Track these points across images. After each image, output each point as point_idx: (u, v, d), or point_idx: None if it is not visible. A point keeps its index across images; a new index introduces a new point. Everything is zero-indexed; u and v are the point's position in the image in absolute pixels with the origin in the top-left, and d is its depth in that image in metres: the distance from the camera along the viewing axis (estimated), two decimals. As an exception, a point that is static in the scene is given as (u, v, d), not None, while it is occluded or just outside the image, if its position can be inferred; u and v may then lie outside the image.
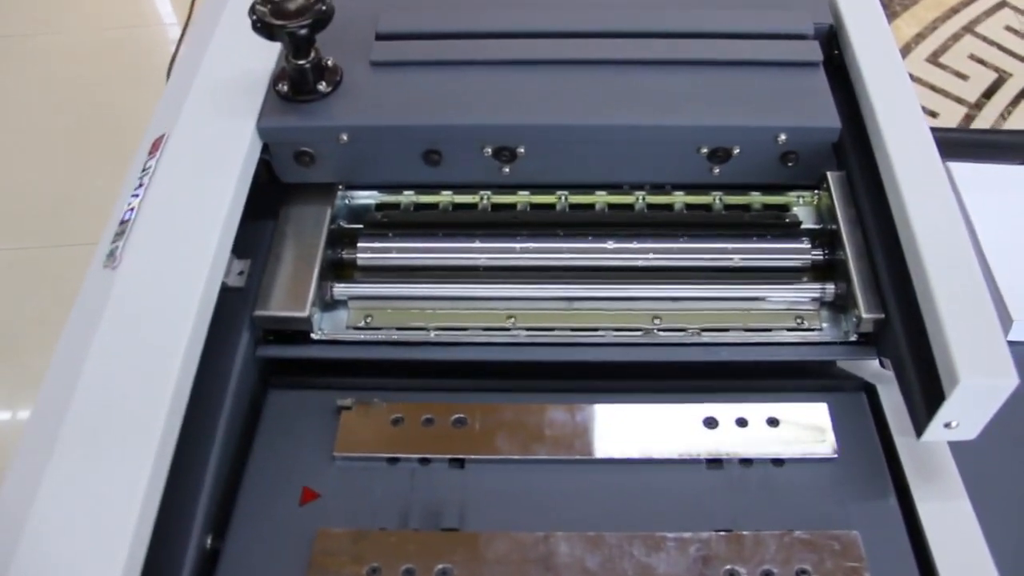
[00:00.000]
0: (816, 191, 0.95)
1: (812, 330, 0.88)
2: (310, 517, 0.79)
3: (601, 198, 0.97)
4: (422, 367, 0.89)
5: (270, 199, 0.95)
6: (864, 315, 0.83)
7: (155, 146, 0.89)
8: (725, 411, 0.83)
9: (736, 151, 0.89)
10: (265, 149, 0.91)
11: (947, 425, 0.75)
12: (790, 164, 0.90)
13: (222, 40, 0.93)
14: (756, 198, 0.97)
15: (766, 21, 0.95)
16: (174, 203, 0.85)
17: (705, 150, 0.89)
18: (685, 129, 0.87)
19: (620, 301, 0.90)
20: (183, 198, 0.85)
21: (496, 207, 0.98)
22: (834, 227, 0.91)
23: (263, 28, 0.84)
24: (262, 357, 0.88)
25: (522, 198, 0.97)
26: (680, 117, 0.87)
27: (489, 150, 0.89)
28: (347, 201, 0.97)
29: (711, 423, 0.83)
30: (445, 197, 0.98)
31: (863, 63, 0.92)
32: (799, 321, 0.89)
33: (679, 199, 0.97)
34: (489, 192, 0.96)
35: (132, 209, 0.85)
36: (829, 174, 0.92)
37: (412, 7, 0.99)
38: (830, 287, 0.89)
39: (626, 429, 0.82)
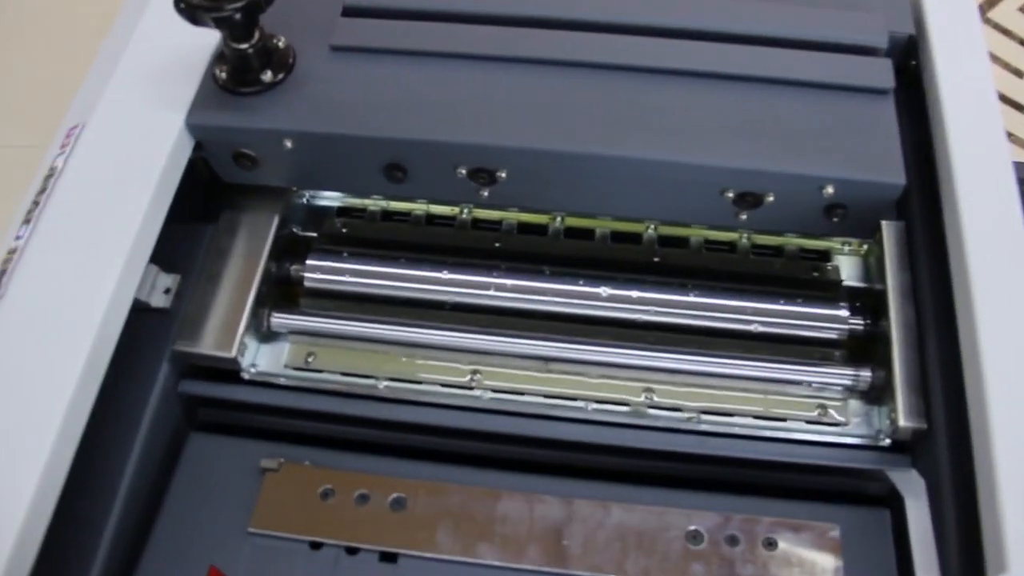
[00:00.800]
0: (866, 240, 0.78)
1: (836, 424, 0.72)
2: (213, 606, 0.68)
3: (604, 223, 0.81)
4: (367, 423, 0.75)
5: (213, 199, 0.80)
6: (902, 422, 0.67)
7: (69, 136, 0.74)
8: (714, 523, 0.69)
9: (769, 199, 0.71)
10: (200, 146, 0.75)
11: (984, 599, 0.60)
12: (835, 219, 0.72)
13: (156, 13, 0.77)
14: (791, 239, 0.80)
15: (828, 25, 0.75)
16: (80, 209, 0.71)
17: (731, 194, 0.71)
18: (707, 169, 0.70)
19: (607, 367, 0.74)
20: (92, 202, 0.71)
21: (477, 223, 0.82)
22: (881, 288, 0.73)
23: (186, 10, 0.67)
24: (185, 394, 0.75)
25: (509, 215, 0.81)
26: (702, 153, 0.70)
27: (463, 171, 0.73)
28: (305, 200, 0.82)
29: (695, 538, 0.68)
30: (419, 206, 0.82)
31: (946, 96, 0.73)
32: (821, 412, 0.73)
33: (698, 232, 0.80)
34: (471, 205, 0.80)
35: (28, 223, 0.71)
36: (884, 224, 0.74)
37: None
38: (865, 374, 0.72)
39: (592, 535, 0.68)
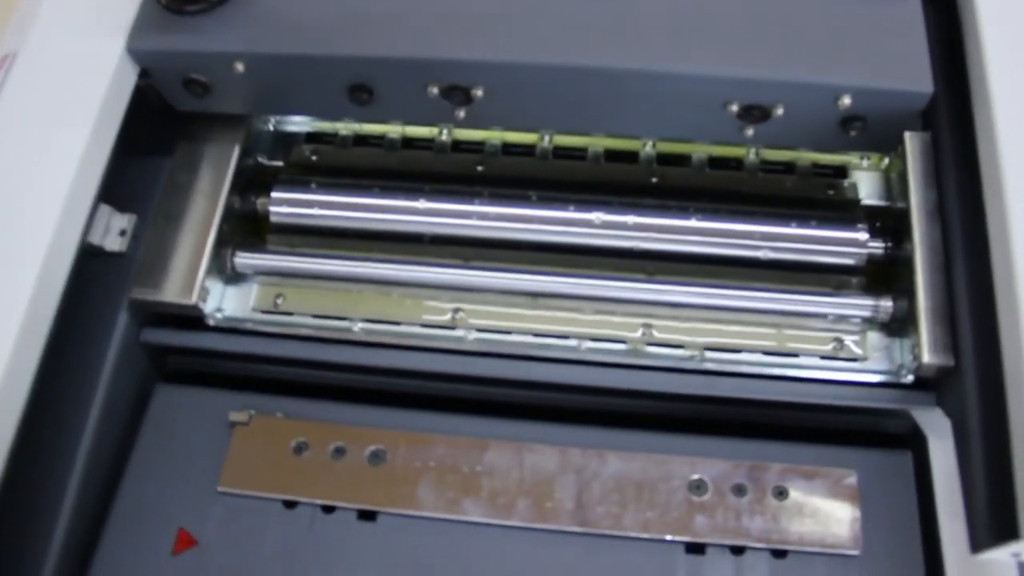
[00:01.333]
0: (888, 154, 0.70)
1: (854, 359, 0.66)
2: (183, 572, 0.63)
3: (596, 140, 0.73)
4: (342, 368, 0.69)
5: (170, 128, 0.73)
6: (926, 358, 0.60)
7: (0, 67, 0.67)
8: (720, 471, 0.63)
9: (779, 111, 0.63)
10: (147, 73, 0.68)
11: (1015, 555, 0.54)
12: (853, 133, 0.64)
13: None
14: (803, 154, 0.72)
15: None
16: (15, 148, 0.65)
17: (735, 107, 0.63)
18: (707, 79, 0.62)
19: (601, 302, 0.68)
20: (28, 140, 0.65)
21: (458, 145, 0.74)
22: (904, 206, 0.66)
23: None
24: (148, 343, 0.70)
25: (493, 134, 0.74)
26: (699, 62, 0.62)
27: (435, 90, 0.65)
28: (271, 127, 0.75)
29: (699, 488, 0.63)
30: (395, 128, 0.75)
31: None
32: (837, 346, 0.66)
33: (700, 149, 0.73)
34: (450, 124, 0.73)
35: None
36: (908, 136, 0.66)
37: None
38: (886, 303, 0.65)
39: (587, 487, 0.63)
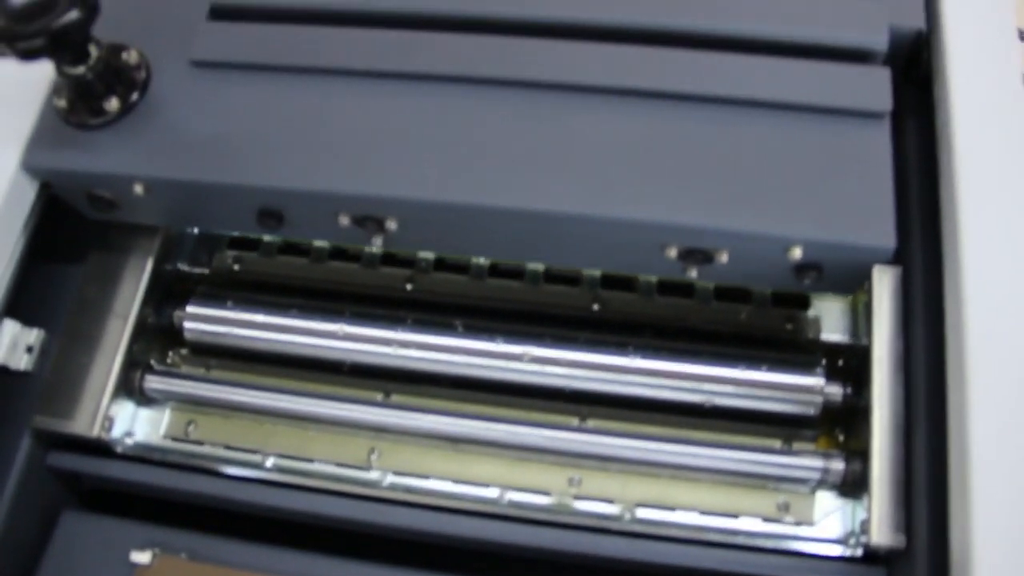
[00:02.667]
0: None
1: (800, 524, 0.60)
2: None
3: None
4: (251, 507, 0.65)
5: (84, 234, 0.69)
6: (875, 539, 0.54)
7: None
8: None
9: (723, 258, 0.57)
10: (48, 185, 0.64)
11: None
12: (807, 281, 0.58)
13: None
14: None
15: (811, 19, 0.59)
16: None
17: (674, 252, 0.57)
18: (640, 226, 0.56)
19: (526, 451, 0.62)
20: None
21: (390, 258, 0.69)
22: (868, 344, 0.59)
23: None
24: (55, 467, 0.66)
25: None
26: (631, 206, 0.55)
27: (346, 220, 0.60)
28: (193, 229, 0.70)
29: (619, 668, 0.57)
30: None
31: (957, 120, 0.56)
32: (782, 508, 0.60)
33: (646, 276, 0.66)
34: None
35: None
36: (876, 269, 0.59)
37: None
38: (837, 466, 0.59)
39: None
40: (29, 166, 0.62)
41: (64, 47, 0.56)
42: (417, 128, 0.59)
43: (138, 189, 0.60)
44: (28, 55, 0.55)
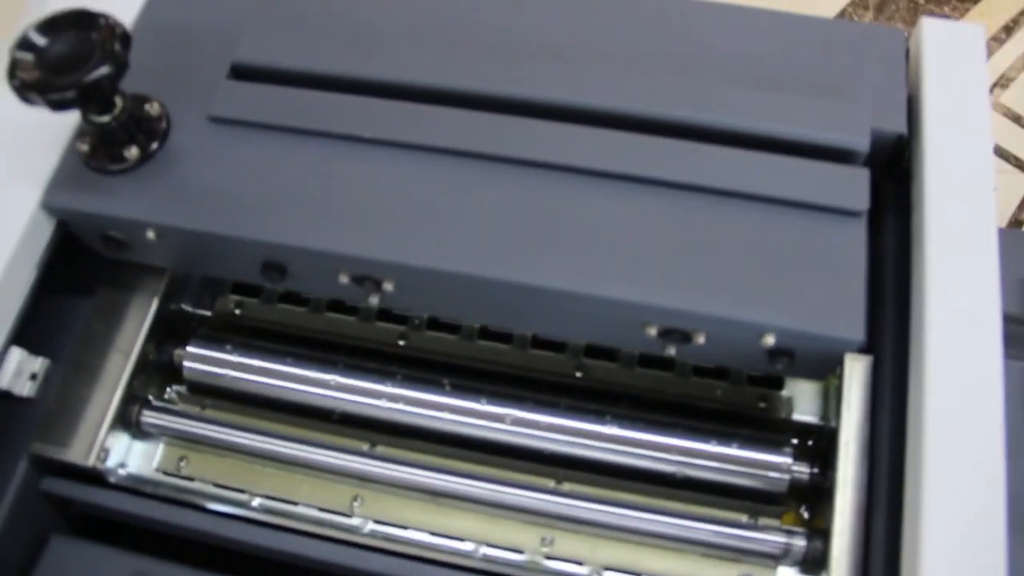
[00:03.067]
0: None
1: (760, 598, 0.62)
2: None
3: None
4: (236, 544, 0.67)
5: (95, 270, 0.72)
6: (831, 623, 0.57)
7: (-82, 210, 0.66)
8: None
9: (700, 339, 0.60)
10: (64, 223, 0.67)
11: None
12: (779, 366, 0.60)
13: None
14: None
15: (797, 119, 0.62)
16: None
17: (653, 331, 0.60)
18: (622, 305, 0.59)
19: (503, 509, 0.65)
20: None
21: (384, 314, 0.72)
22: (836, 426, 0.62)
23: (18, 88, 0.58)
24: (48, 493, 0.68)
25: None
26: (614, 286, 0.58)
27: (346, 278, 0.63)
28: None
29: None
30: (321, 291, 0.73)
31: (931, 232, 0.60)
32: (745, 582, 0.63)
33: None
34: (377, 293, 0.71)
35: None
36: (848, 358, 0.62)
37: (298, 22, 0.70)
38: (800, 543, 0.62)
39: None
40: (48, 206, 0.64)
41: (93, 99, 0.59)
42: (418, 197, 0.62)
43: (150, 235, 0.63)
44: (59, 106, 0.58)
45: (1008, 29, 1.62)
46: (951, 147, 0.63)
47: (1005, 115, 1.51)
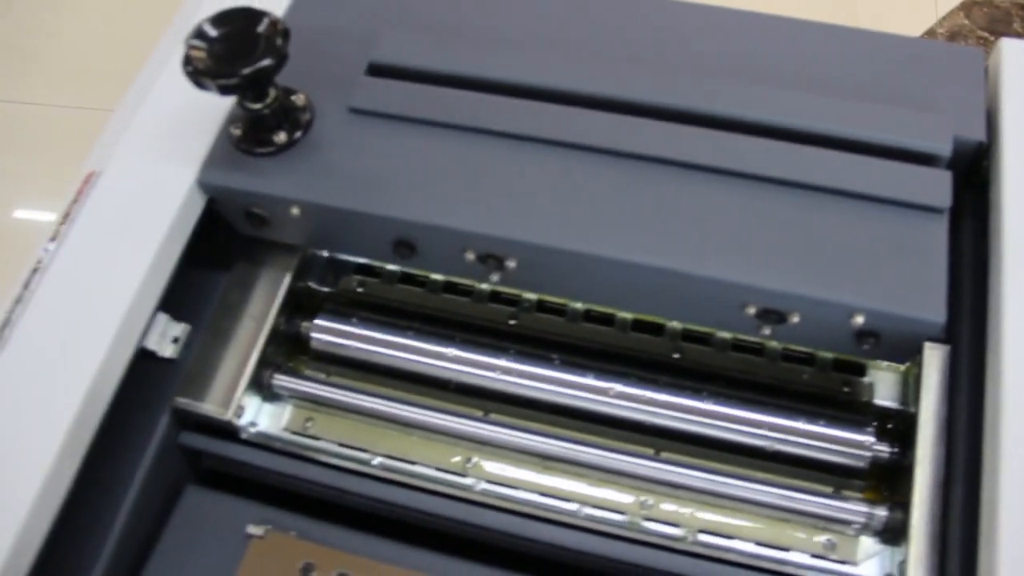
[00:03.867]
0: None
1: (844, 563, 0.67)
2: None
3: (625, 310, 0.76)
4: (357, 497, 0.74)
5: (233, 247, 0.79)
6: (913, 582, 0.62)
7: (86, 183, 0.74)
8: (694, 660, 0.65)
9: (794, 319, 0.65)
10: (213, 201, 0.74)
11: None
12: (866, 347, 0.66)
13: (178, 66, 0.75)
14: (823, 350, 0.74)
15: (886, 126, 0.68)
16: (89, 258, 0.71)
17: (752, 310, 0.66)
18: (725, 284, 0.65)
19: (607, 472, 0.71)
20: (101, 252, 0.71)
21: (496, 296, 0.79)
22: (915, 411, 0.67)
23: (192, 74, 0.65)
24: (185, 445, 0.75)
25: (527, 291, 0.78)
26: (720, 267, 0.64)
27: (472, 256, 0.69)
28: (324, 254, 0.80)
29: (673, 673, 0.65)
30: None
31: (1008, 228, 0.65)
32: (828, 546, 0.68)
33: (724, 330, 0.75)
34: (488, 280, 0.77)
35: (37, 269, 0.71)
36: (927, 346, 0.68)
37: (430, 29, 0.77)
38: (881, 513, 0.67)
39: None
40: (203, 182, 0.72)
41: (254, 87, 0.66)
42: (540, 184, 0.68)
43: (295, 211, 0.70)
44: (225, 90, 0.66)
45: None
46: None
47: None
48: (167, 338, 0.75)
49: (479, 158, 0.70)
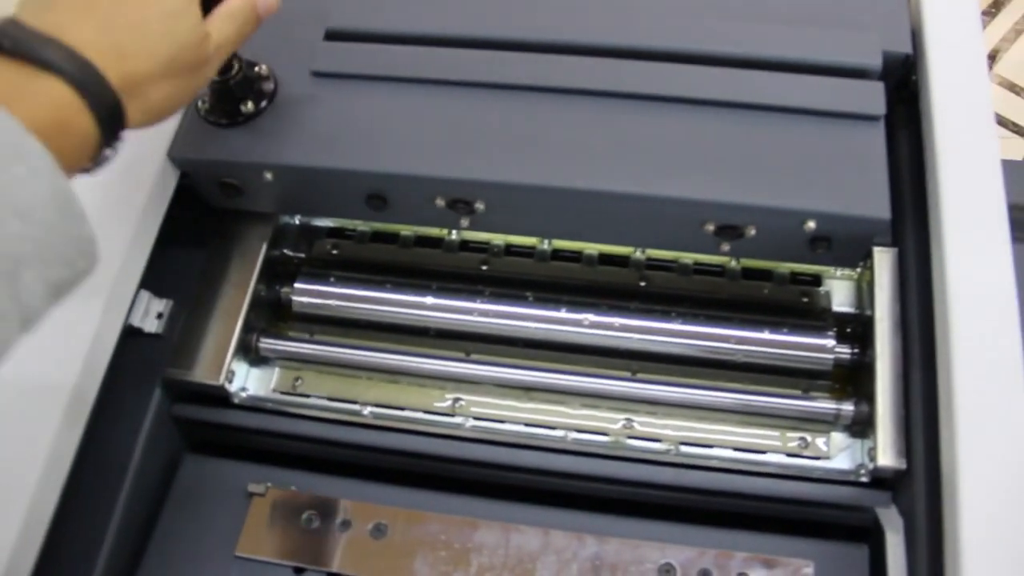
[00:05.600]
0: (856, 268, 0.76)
1: (817, 458, 0.72)
2: (201, 630, 0.70)
3: (591, 245, 0.80)
4: (351, 447, 0.76)
5: (208, 220, 0.81)
6: (881, 461, 0.67)
7: (57, 167, 0.76)
8: (687, 557, 0.69)
9: (751, 232, 0.69)
10: (185, 175, 0.76)
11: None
12: (820, 251, 0.70)
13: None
14: (781, 264, 0.78)
15: (818, 46, 0.73)
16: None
17: (711, 227, 0.70)
18: (684, 202, 0.68)
19: (588, 397, 0.74)
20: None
21: (466, 244, 0.82)
22: (871, 315, 0.72)
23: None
24: (179, 416, 0.77)
25: (496, 236, 0.81)
26: (678, 187, 0.68)
27: (442, 202, 0.72)
28: (296, 221, 0.83)
29: (668, 572, 0.69)
30: (408, 226, 0.82)
31: (939, 128, 0.70)
32: (802, 444, 0.72)
33: (687, 256, 0.79)
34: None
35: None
36: (876, 251, 0.73)
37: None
38: (848, 408, 0.71)
39: (566, 566, 0.69)
40: (174, 156, 0.74)
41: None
42: (499, 127, 0.71)
43: (267, 176, 0.73)
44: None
45: (998, 4, 1.75)
46: (952, 64, 0.73)
47: (1000, 84, 1.64)
48: (151, 314, 0.77)
49: (441, 108, 0.73)
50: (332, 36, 0.77)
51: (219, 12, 0.60)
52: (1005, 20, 1.74)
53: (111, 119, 0.51)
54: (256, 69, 0.75)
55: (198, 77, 0.59)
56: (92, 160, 0.52)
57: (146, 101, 0.54)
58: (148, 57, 0.54)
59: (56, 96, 0.48)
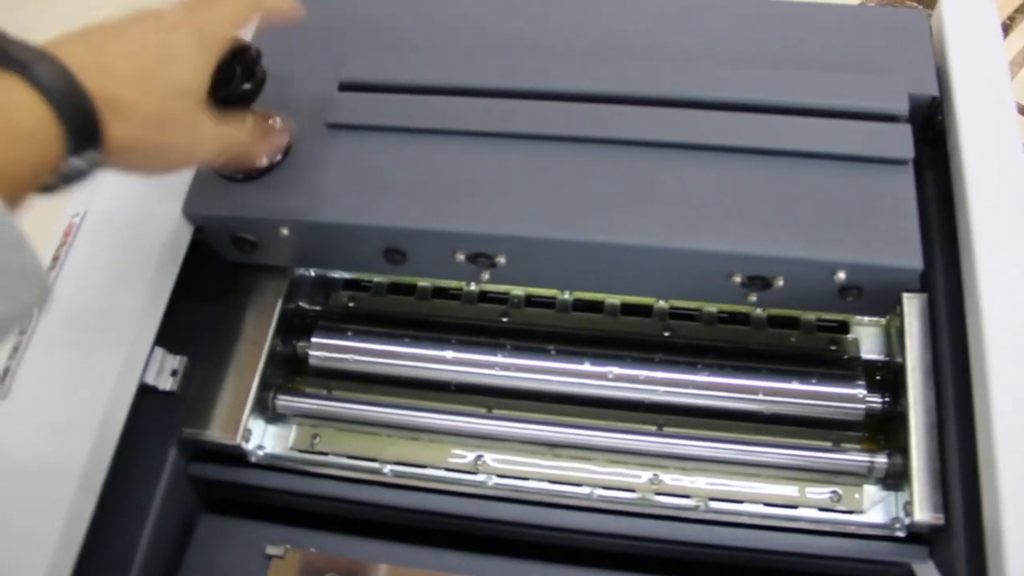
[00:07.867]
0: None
1: (851, 512, 0.70)
2: None
3: (613, 295, 0.79)
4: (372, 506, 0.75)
5: (223, 275, 0.79)
6: (918, 516, 0.65)
7: (70, 227, 0.74)
8: (721, 621, 0.67)
9: (779, 283, 0.68)
10: (200, 230, 0.75)
11: None
12: (850, 299, 0.69)
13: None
14: (808, 311, 0.76)
15: (843, 91, 0.71)
16: (82, 300, 0.71)
17: (738, 279, 0.68)
18: (711, 255, 0.67)
19: (613, 453, 0.73)
20: (93, 293, 0.71)
21: (485, 296, 0.80)
22: (902, 361, 0.70)
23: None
24: (195, 476, 0.75)
25: (516, 288, 0.80)
26: (705, 239, 0.66)
27: (462, 256, 0.71)
28: (311, 273, 0.81)
29: (700, 635, 0.67)
30: (424, 278, 0.81)
31: (969, 169, 0.69)
32: (835, 498, 0.70)
33: (711, 305, 0.78)
34: (477, 280, 0.79)
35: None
36: (905, 296, 0.71)
37: (393, 44, 0.79)
38: (881, 460, 0.69)
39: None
40: (189, 213, 0.73)
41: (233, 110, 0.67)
42: (520, 178, 0.70)
43: (284, 231, 0.71)
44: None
45: (1005, 27, 1.74)
46: (979, 101, 0.72)
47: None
48: (165, 372, 0.76)
49: (460, 159, 0.71)
50: (346, 87, 0.75)
51: (238, 116, 0.60)
52: (1014, 42, 1.72)
53: (83, 128, 0.47)
54: (270, 122, 0.74)
55: (193, 137, 0.57)
56: (58, 174, 0.48)
57: (131, 128, 0.50)
58: (136, 86, 0.50)
59: (18, 99, 0.44)
